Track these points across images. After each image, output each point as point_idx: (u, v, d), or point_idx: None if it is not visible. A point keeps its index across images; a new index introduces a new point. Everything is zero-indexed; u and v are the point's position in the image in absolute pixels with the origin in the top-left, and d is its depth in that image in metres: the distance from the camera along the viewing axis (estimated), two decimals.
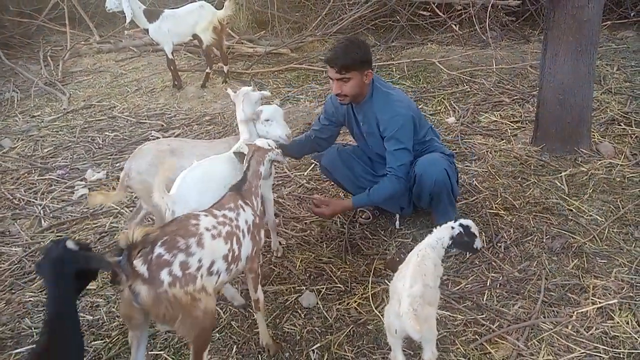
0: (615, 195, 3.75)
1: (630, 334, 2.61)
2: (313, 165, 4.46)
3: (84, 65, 7.95)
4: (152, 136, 5.37)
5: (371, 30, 8.18)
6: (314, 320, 2.88)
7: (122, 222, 3.89)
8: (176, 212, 2.58)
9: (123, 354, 2.73)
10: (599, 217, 3.53)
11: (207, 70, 6.68)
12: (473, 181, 4.04)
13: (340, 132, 3.73)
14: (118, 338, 2.83)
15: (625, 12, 7.74)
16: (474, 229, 2.55)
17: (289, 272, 3.28)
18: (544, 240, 3.34)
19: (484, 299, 2.93)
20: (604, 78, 5.74)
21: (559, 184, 3.94)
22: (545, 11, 4.59)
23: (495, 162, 4.32)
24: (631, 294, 2.85)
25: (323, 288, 3.10)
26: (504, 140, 4.69)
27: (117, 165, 4.81)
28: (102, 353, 2.74)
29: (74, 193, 4.42)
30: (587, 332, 2.65)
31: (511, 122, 5.01)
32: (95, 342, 2.81)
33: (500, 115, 5.17)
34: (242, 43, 7.97)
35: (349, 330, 2.78)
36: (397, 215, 3.60)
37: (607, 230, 3.39)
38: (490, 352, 2.57)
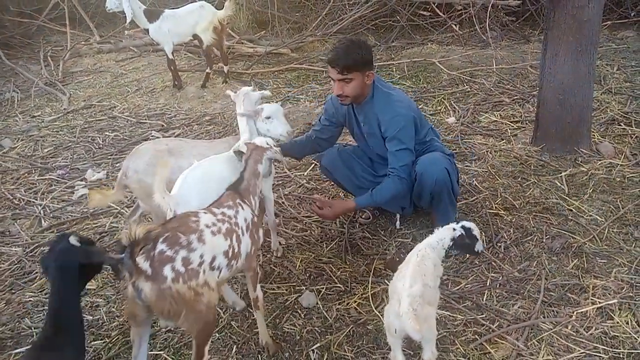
0: (615, 195, 3.75)
1: (630, 334, 2.61)
2: (313, 165, 4.46)
3: (84, 65, 7.95)
4: (152, 136, 5.37)
5: (371, 30, 8.18)
6: (314, 320, 2.88)
7: (122, 222, 3.89)
8: (178, 212, 2.58)
9: (123, 354, 2.73)
10: (598, 217, 3.53)
11: (207, 71, 6.68)
12: (473, 181, 4.04)
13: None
14: (118, 338, 2.83)
15: (625, 12, 7.74)
16: (476, 231, 2.53)
17: (289, 272, 3.28)
18: (544, 240, 3.34)
19: (484, 299, 2.93)
20: (604, 78, 5.74)
21: (559, 184, 3.94)
22: (545, 11, 4.59)
23: (495, 162, 4.32)
24: (631, 294, 2.85)
25: (323, 288, 3.11)
26: (504, 140, 4.69)
27: (117, 165, 4.81)
28: (102, 353, 2.74)
29: (74, 193, 4.42)
30: (586, 332, 2.65)
31: (511, 122, 5.01)
32: (95, 342, 2.81)
33: (500, 115, 5.17)
34: (242, 43, 7.98)
35: (349, 330, 2.78)
36: (398, 215, 3.60)
37: (607, 230, 3.39)
38: (490, 352, 2.57)
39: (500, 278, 3.07)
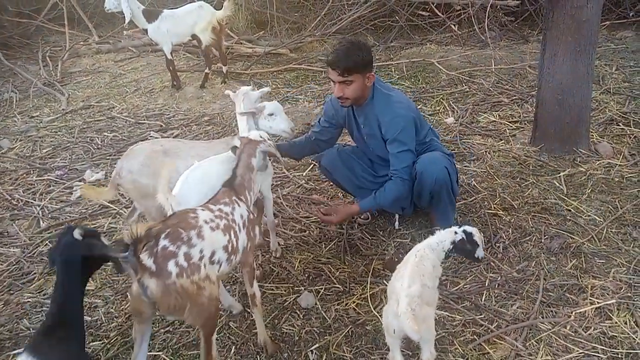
0: (614, 195, 3.76)
1: (629, 334, 2.62)
2: (312, 165, 4.46)
3: (83, 65, 7.94)
4: (150, 136, 5.36)
5: (370, 30, 8.18)
6: (313, 320, 2.88)
7: (121, 223, 3.89)
8: None
9: (121, 355, 2.73)
10: (597, 217, 3.53)
11: (206, 71, 6.67)
12: (472, 181, 4.05)
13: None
14: (116, 339, 2.83)
15: (624, 12, 7.74)
16: (478, 237, 2.52)
17: (288, 272, 3.28)
18: (543, 240, 3.35)
19: (483, 299, 2.93)
20: (603, 78, 5.74)
21: (557, 184, 3.94)
22: (544, 11, 4.59)
23: (494, 162, 4.32)
24: (629, 294, 2.86)
25: (322, 288, 3.10)
26: (503, 141, 4.69)
27: (115, 166, 4.79)
28: (101, 354, 2.74)
29: (72, 194, 4.41)
30: (585, 332, 2.65)
31: (510, 122, 5.01)
32: (94, 343, 2.81)
33: (499, 115, 5.17)
34: (241, 43, 7.97)
35: (348, 331, 2.78)
36: (397, 216, 3.60)
37: (605, 230, 3.39)
38: (488, 353, 2.57)
39: (499, 278, 3.07)
